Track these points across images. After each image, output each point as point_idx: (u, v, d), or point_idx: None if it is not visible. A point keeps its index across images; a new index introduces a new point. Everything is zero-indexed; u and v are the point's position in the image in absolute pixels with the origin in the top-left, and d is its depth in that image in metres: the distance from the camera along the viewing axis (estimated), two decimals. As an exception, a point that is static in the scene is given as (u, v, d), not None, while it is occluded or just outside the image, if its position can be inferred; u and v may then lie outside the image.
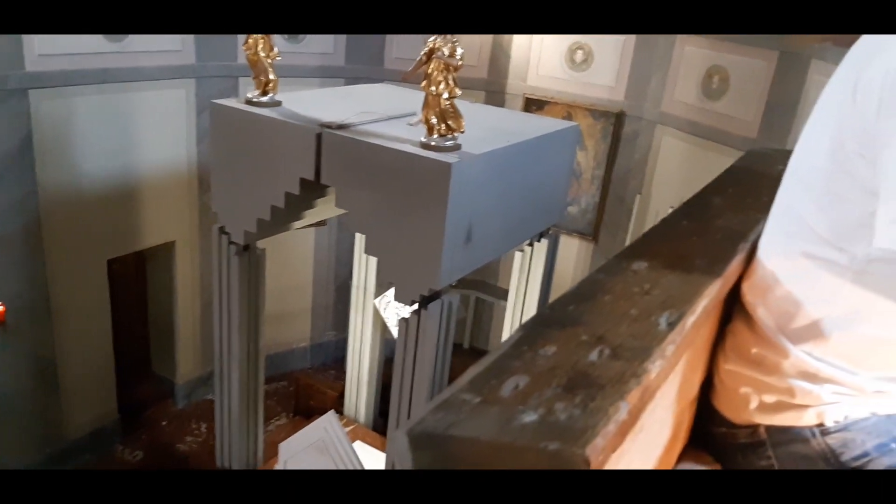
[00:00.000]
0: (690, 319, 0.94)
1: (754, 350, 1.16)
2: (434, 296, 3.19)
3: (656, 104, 6.02)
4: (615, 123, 6.32)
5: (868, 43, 0.97)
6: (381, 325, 5.07)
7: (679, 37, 5.81)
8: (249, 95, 3.55)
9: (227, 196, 3.69)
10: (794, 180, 1.11)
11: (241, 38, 3.71)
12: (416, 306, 3.22)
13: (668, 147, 6.00)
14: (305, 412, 5.90)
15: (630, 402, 0.73)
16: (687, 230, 1.32)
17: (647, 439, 0.95)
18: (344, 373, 5.44)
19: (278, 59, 3.56)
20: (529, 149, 3.51)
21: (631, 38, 6.07)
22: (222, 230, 3.82)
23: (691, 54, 5.67)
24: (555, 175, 3.96)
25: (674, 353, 0.87)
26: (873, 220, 0.92)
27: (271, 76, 3.53)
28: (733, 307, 1.24)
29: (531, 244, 4.21)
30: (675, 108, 5.86)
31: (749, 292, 1.19)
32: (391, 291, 3.60)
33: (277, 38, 5.88)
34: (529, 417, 0.67)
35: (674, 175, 5.91)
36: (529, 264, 4.29)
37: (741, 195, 1.34)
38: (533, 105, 6.65)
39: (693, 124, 5.69)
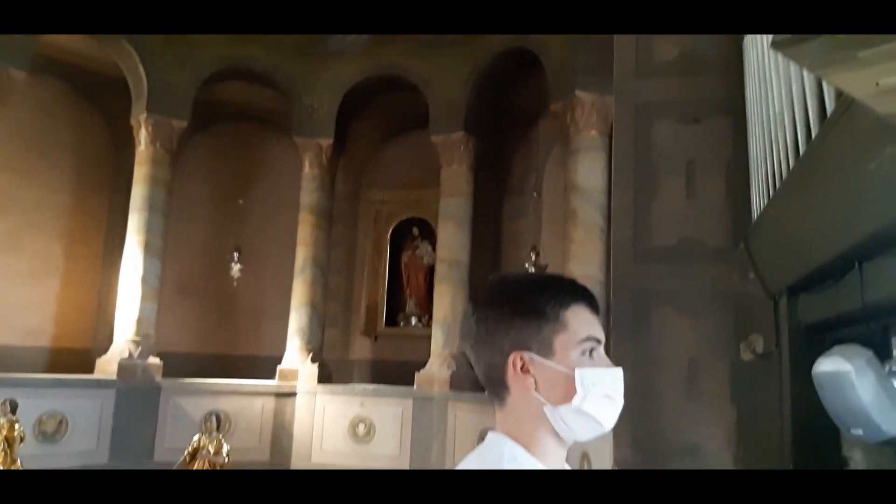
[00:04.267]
0: None
1: None
2: None
3: (441, 466, 6.15)
4: (404, 492, 6.28)
5: None
6: None
7: (451, 402, 6.26)
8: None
9: None
10: None
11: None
12: None
13: None
14: None
15: None
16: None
17: None
18: None
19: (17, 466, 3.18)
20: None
21: (409, 409, 6.41)
22: None
23: (463, 418, 6.08)
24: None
25: None
26: None
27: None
28: None
29: None
30: (458, 470, 6.03)
31: None
32: None
33: (30, 440, 5.35)
34: None
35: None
36: None
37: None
38: (320, 482, 6.46)
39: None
